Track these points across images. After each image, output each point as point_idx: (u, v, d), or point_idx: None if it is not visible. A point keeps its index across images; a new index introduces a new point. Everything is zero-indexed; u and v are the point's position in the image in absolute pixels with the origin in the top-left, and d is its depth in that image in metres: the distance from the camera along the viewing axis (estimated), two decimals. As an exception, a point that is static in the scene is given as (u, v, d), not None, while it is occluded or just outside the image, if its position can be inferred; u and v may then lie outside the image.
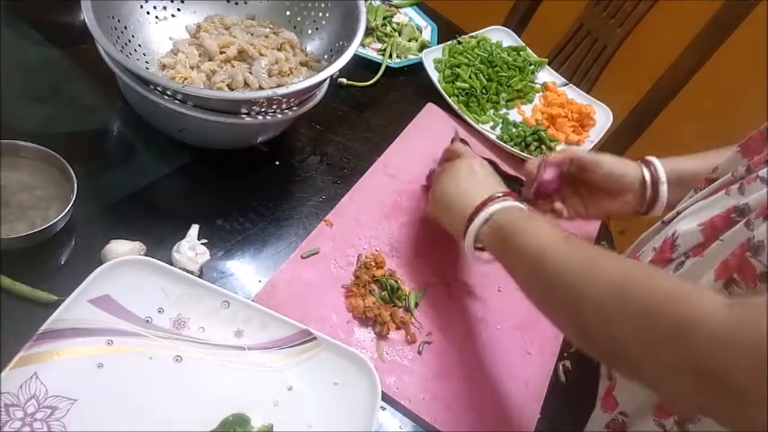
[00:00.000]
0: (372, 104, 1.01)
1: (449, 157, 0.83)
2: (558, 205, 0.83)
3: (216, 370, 0.61)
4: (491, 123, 1.07)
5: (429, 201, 0.81)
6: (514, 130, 1.06)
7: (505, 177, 1.00)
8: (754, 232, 0.55)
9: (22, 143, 0.65)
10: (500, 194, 0.70)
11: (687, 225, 0.68)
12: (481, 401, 0.71)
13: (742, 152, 0.70)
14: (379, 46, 1.10)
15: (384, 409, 0.67)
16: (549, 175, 0.81)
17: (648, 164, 0.81)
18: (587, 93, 1.21)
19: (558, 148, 1.05)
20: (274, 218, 0.78)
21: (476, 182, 0.75)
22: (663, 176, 0.79)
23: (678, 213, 0.73)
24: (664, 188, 0.79)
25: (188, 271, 0.65)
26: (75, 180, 0.64)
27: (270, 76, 0.81)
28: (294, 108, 0.75)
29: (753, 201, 0.59)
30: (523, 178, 0.85)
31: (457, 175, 0.76)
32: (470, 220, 0.70)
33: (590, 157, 0.82)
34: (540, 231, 0.64)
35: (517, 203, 0.70)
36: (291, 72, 0.83)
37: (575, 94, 1.18)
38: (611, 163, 0.81)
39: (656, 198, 0.80)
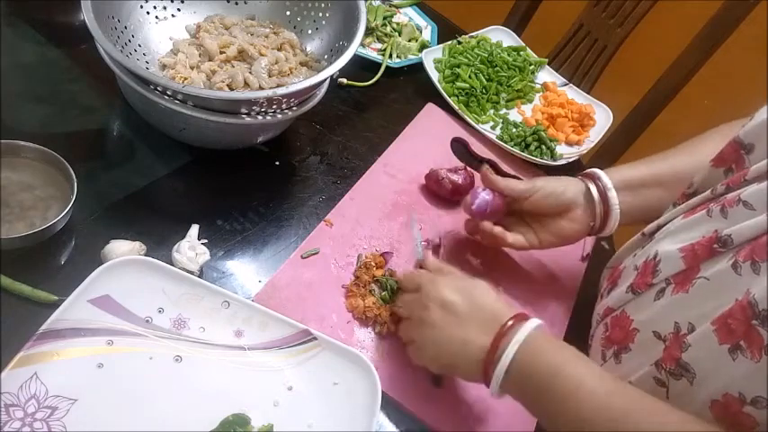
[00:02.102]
0: (372, 104, 1.01)
1: (405, 287, 0.71)
2: (498, 230, 0.78)
3: (216, 370, 0.61)
4: (491, 123, 1.07)
5: (413, 355, 0.67)
6: (514, 130, 1.06)
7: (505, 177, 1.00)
8: (754, 293, 0.52)
9: (22, 143, 0.65)
10: (508, 323, 0.60)
11: (668, 246, 0.66)
12: (481, 402, 0.71)
13: (715, 165, 0.69)
14: (379, 46, 1.10)
15: (384, 409, 0.66)
16: (486, 196, 0.78)
17: (591, 176, 0.79)
18: (587, 93, 1.21)
19: (558, 148, 1.05)
20: (274, 218, 0.78)
21: (463, 325, 0.62)
22: (609, 183, 0.77)
23: (659, 227, 0.72)
24: (613, 194, 0.76)
25: (188, 271, 0.65)
26: (75, 180, 0.64)
27: (270, 76, 0.81)
28: (294, 108, 0.75)
29: (736, 234, 0.57)
30: (524, 179, 0.85)
31: (435, 320, 0.63)
32: (486, 377, 0.60)
33: (520, 185, 0.78)
34: (580, 387, 0.56)
35: (526, 332, 0.59)
36: (291, 72, 0.83)
37: (575, 94, 1.18)
38: (546, 183, 0.78)
39: (609, 208, 0.77)
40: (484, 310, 0.62)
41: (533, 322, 0.60)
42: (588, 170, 0.80)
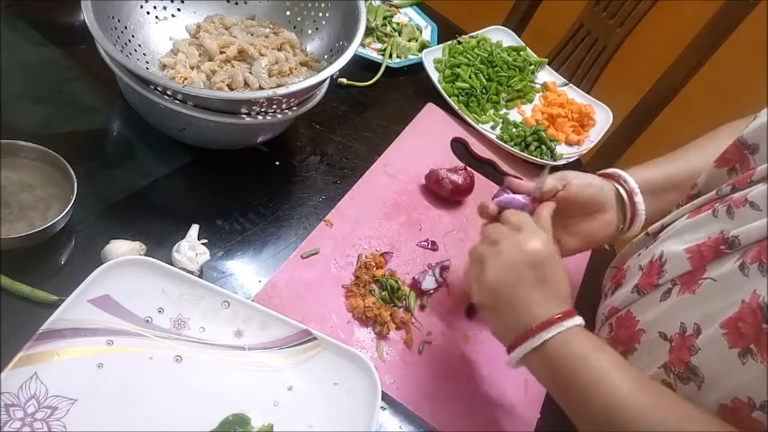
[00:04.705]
0: (372, 104, 1.01)
1: (505, 219, 0.67)
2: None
3: (216, 370, 0.61)
4: (491, 123, 1.07)
5: (473, 276, 0.65)
6: (514, 130, 1.06)
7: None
8: (764, 296, 0.52)
9: (22, 143, 0.65)
10: (559, 315, 0.59)
11: (674, 247, 0.65)
12: (481, 401, 0.71)
13: (718, 166, 0.69)
14: (379, 46, 1.10)
15: (384, 409, 0.66)
16: (522, 199, 0.70)
17: (615, 177, 0.76)
18: (587, 93, 1.21)
19: (558, 148, 1.05)
20: (274, 218, 0.78)
21: (537, 287, 0.61)
22: (635, 187, 0.74)
23: (663, 227, 0.72)
24: (639, 198, 0.74)
25: (188, 271, 0.65)
26: (75, 180, 0.64)
27: (270, 76, 0.81)
28: (294, 108, 0.75)
29: (743, 235, 0.57)
30: (524, 178, 0.84)
31: (519, 268, 0.61)
32: (517, 342, 0.60)
33: (549, 179, 0.72)
34: (603, 378, 0.56)
35: (575, 325, 0.60)
36: (291, 72, 0.83)
37: (575, 94, 1.18)
38: (577, 174, 0.73)
39: (635, 212, 0.74)
40: (557, 288, 0.61)
41: (579, 319, 0.60)
42: (610, 170, 0.77)
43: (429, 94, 1.05)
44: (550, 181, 0.72)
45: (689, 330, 0.59)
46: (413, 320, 0.75)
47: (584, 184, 0.72)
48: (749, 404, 0.52)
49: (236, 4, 0.90)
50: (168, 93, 0.67)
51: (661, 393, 0.56)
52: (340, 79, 0.99)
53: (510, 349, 0.61)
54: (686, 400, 0.55)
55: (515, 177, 0.74)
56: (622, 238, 0.80)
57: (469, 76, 1.08)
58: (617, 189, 0.75)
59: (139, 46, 0.81)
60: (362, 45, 1.07)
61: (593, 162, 1.30)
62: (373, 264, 0.77)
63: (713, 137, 0.80)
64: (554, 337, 0.58)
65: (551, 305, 0.60)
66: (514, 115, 1.11)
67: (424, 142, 0.98)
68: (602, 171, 0.78)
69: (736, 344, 0.54)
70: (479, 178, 0.94)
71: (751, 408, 0.52)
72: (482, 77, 1.09)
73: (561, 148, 1.06)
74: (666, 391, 0.56)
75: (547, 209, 0.68)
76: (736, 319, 0.54)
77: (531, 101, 1.15)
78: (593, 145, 1.10)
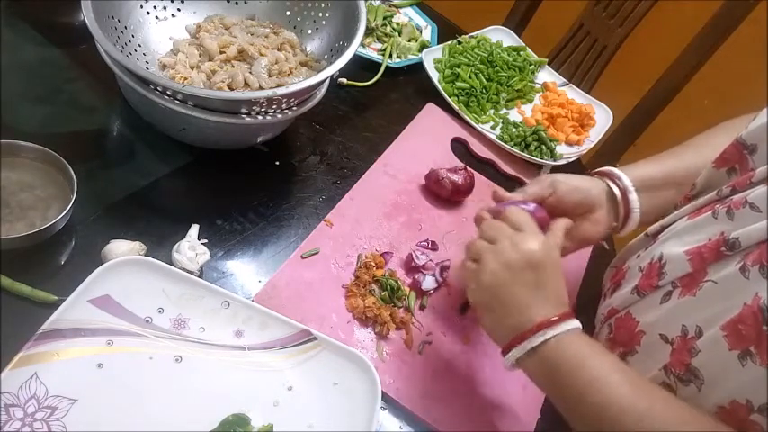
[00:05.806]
0: (372, 104, 1.01)
1: (506, 217, 0.65)
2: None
3: (216, 370, 0.61)
4: (491, 123, 1.07)
5: (469, 274, 0.64)
6: (514, 130, 1.06)
7: (505, 177, 1.00)
8: (764, 298, 0.52)
9: (22, 143, 0.65)
10: (556, 317, 0.58)
11: (674, 248, 0.65)
12: (481, 402, 0.71)
13: (717, 166, 0.69)
14: (379, 46, 1.10)
15: (384, 409, 0.66)
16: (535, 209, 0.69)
17: (609, 175, 0.76)
18: (587, 93, 1.21)
19: (558, 148, 1.05)
20: (274, 218, 0.78)
21: (535, 289, 0.60)
22: (629, 185, 0.74)
23: (663, 228, 0.72)
24: (633, 197, 0.74)
25: (188, 271, 0.65)
26: (75, 180, 0.64)
27: (270, 76, 0.81)
28: (294, 108, 0.75)
29: (744, 236, 0.57)
30: (524, 178, 0.84)
31: (517, 268, 0.60)
32: (513, 343, 0.60)
33: (532, 187, 0.73)
34: (601, 380, 0.56)
35: (572, 328, 0.59)
36: (291, 72, 0.83)
37: (575, 94, 1.18)
38: (564, 178, 0.74)
39: (629, 209, 0.74)
40: (555, 291, 0.60)
41: (576, 323, 0.60)
42: (604, 168, 0.77)
43: (429, 94, 1.05)
44: (536, 188, 0.72)
45: (690, 333, 0.59)
46: (413, 320, 0.75)
47: (570, 190, 0.73)
48: (747, 406, 0.52)
49: (236, 4, 0.90)
50: (168, 93, 0.67)
51: (660, 395, 0.55)
52: (340, 79, 0.99)
53: (505, 350, 0.61)
54: (685, 402, 0.55)
55: (516, 177, 0.74)
56: (621, 238, 0.80)
57: (469, 76, 1.08)
58: (609, 188, 0.75)
59: (139, 46, 0.81)
60: (362, 45, 1.07)
61: (593, 162, 1.30)
62: (373, 264, 0.77)
63: (711, 135, 0.80)
64: (551, 340, 0.58)
65: (548, 307, 0.59)
66: (514, 115, 1.10)
67: (424, 142, 0.98)
68: (598, 169, 0.78)
69: (735, 346, 0.54)
70: (479, 178, 0.94)
71: (749, 410, 0.52)
72: (482, 77, 1.09)
73: (561, 148, 1.06)
74: (665, 394, 0.56)
75: (562, 223, 0.68)
76: (737, 321, 0.54)
77: (531, 101, 1.15)
78: (593, 145, 1.10)
